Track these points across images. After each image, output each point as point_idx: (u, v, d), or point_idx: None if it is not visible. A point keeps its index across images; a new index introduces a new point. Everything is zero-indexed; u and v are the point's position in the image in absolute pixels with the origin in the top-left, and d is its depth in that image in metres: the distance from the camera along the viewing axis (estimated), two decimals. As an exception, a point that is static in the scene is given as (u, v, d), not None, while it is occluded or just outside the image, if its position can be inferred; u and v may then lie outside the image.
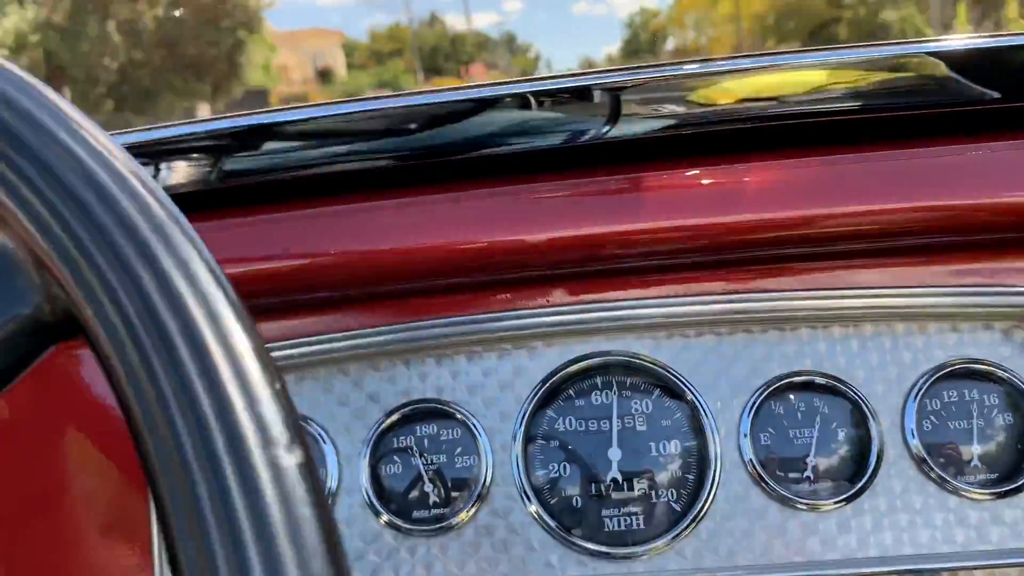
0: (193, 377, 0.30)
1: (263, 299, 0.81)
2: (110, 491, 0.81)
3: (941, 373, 0.76)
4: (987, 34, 0.77)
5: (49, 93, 0.34)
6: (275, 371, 0.32)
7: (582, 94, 0.78)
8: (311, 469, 0.31)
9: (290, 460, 0.30)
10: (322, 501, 0.30)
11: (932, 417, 0.76)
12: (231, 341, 0.31)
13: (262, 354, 0.32)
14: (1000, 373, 0.76)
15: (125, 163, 0.33)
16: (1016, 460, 0.75)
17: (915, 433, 0.75)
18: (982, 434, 0.76)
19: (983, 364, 0.76)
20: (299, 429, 0.31)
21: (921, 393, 0.76)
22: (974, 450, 0.75)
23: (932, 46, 0.76)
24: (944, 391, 0.77)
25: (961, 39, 0.77)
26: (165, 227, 0.32)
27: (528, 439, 0.79)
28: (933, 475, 0.74)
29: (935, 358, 0.77)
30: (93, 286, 0.31)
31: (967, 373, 0.77)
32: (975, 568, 0.73)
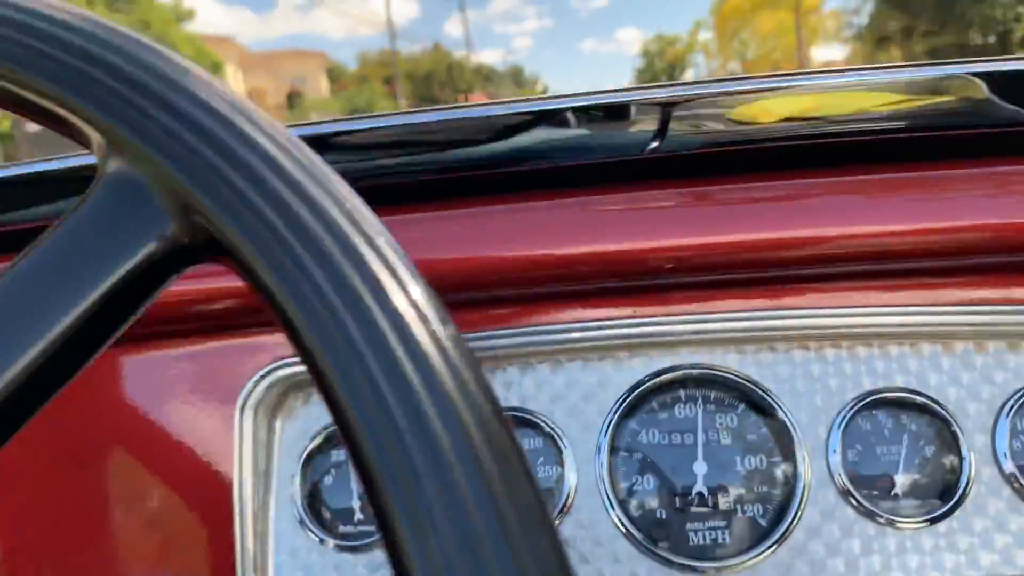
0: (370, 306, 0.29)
1: None
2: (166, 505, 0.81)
3: (1034, 392, 0.75)
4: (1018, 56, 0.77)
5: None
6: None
7: (629, 110, 0.79)
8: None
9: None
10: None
11: (1023, 436, 0.76)
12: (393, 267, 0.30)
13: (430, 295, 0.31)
14: (1095, 394, 0.75)
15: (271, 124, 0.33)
16: (1110, 483, 0.74)
17: (1007, 452, 0.74)
18: None
19: (1077, 385, 0.76)
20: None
21: (1013, 411, 0.75)
22: None
23: (970, 67, 0.76)
24: None
25: (995, 61, 0.77)
26: (319, 177, 0.31)
27: (612, 451, 0.78)
28: (1026, 495, 0.73)
29: None
30: (238, 209, 0.30)
31: (1060, 393, 0.76)
32: (1070, 591, 0.72)
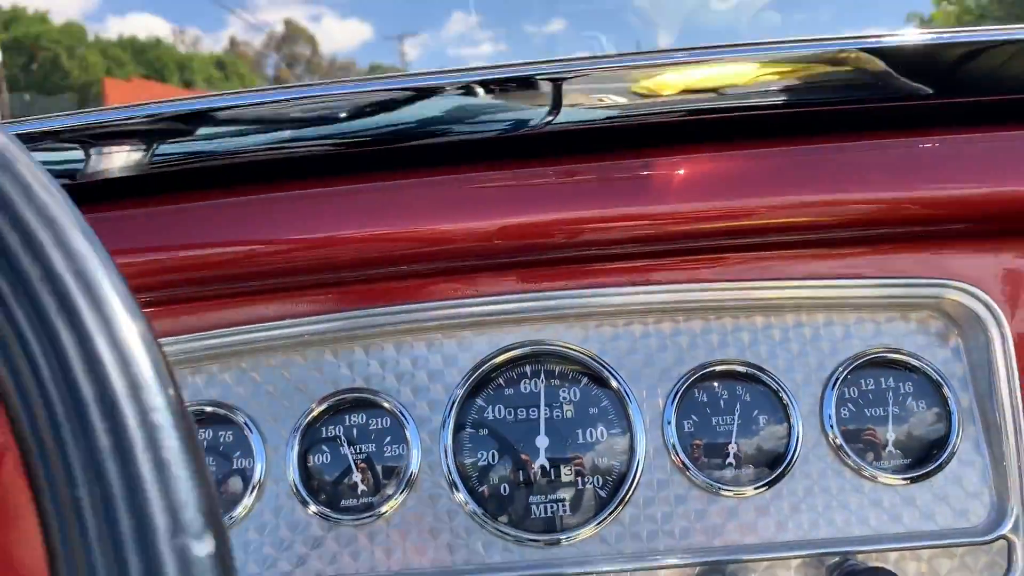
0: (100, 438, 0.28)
1: (192, 287, 0.80)
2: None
3: (859, 362, 0.78)
4: (922, 31, 0.78)
5: None
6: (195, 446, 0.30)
7: (523, 84, 0.78)
8: (225, 560, 0.29)
9: (202, 550, 0.28)
10: None
11: (850, 405, 0.78)
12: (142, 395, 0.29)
13: (182, 418, 0.30)
14: (914, 362, 0.78)
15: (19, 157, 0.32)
16: (928, 446, 0.78)
17: (833, 420, 0.77)
18: (897, 421, 0.78)
19: (899, 353, 0.78)
20: (216, 513, 0.29)
21: (839, 381, 0.78)
22: (889, 436, 0.78)
23: (869, 42, 0.77)
24: (862, 379, 0.79)
25: (898, 36, 0.78)
26: (90, 279, 0.31)
27: (457, 428, 0.79)
28: (850, 461, 0.76)
29: (853, 347, 0.79)
30: (5, 341, 0.29)
31: (883, 362, 0.79)
32: (888, 551, 0.75)
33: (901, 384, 0.79)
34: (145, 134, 0.79)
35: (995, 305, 0.76)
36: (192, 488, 0.28)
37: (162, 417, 0.29)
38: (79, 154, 0.78)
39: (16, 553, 0.78)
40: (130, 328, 0.30)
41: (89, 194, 0.82)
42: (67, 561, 0.27)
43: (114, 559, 0.27)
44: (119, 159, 0.80)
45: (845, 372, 0.78)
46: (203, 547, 0.28)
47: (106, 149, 0.80)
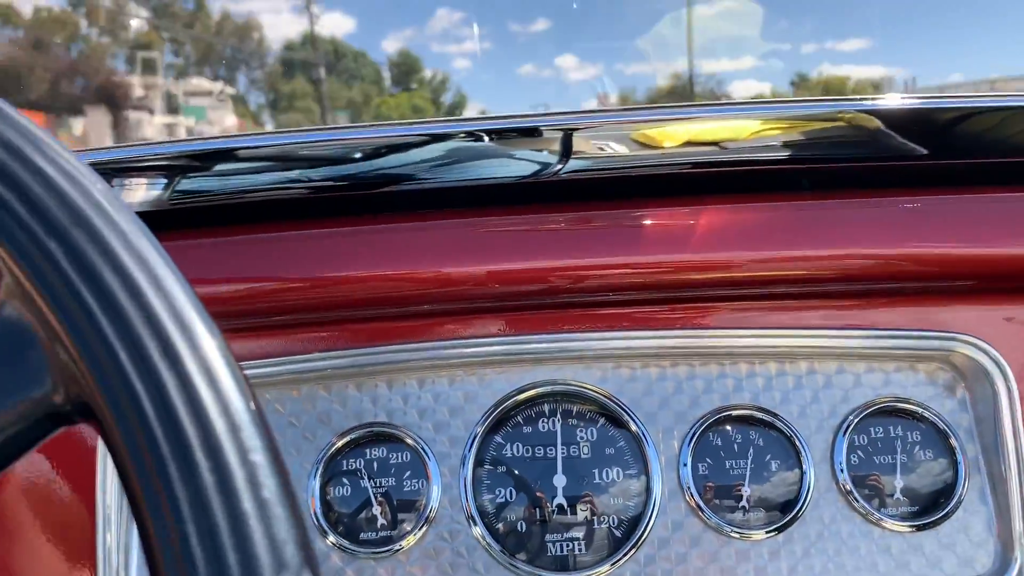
0: (210, 495, 0.30)
1: (220, 320, 0.82)
2: None
3: (869, 410, 0.80)
4: (918, 96, 0.82)
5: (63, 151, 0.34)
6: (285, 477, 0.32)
7: (535, 133, 0.82)
8: None
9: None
10: None
11: (859, 452, 0.81)
12: (257, 476, 0.31)
13: (276, 459, 0.32)
14: (923, 412, 0.81)
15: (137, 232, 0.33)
16: (935, 495, 0.80)
17: (843, 466, 0.79)
18: (905, 469, 0.80)
19: (908, 403, 0.81)
20: (309, 549, 0.31)
21: (850, 429, 0.80)
22: (897, 484, 0.80)
23: (869, 104, 0.81)
24: (871, 427, 0.81)
25: (895, 99, 0.82)
26: (188, 325, 0.32)
27: (477, 464, 0.81)
28: (859, 507, 0.78)
29: (864, 396, 0.81)
30: (111, 380, 0.31)
31: (893, 411, 0.81)
32: (896, 597, 0.77)
33: (909, 433, 0.81)
34: (167, 169, 0.82)
35: (1002, 359, 0.78)
36: (291, 527, 0.30)
37: (261, 457, 0.31)
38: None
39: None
40: (224, 370, 0.32)
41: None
42: None
43: None
44: (139, 194, 0.83)
45: (856, 420, 0.80)
46: None
47: (127, 182, 0.82)
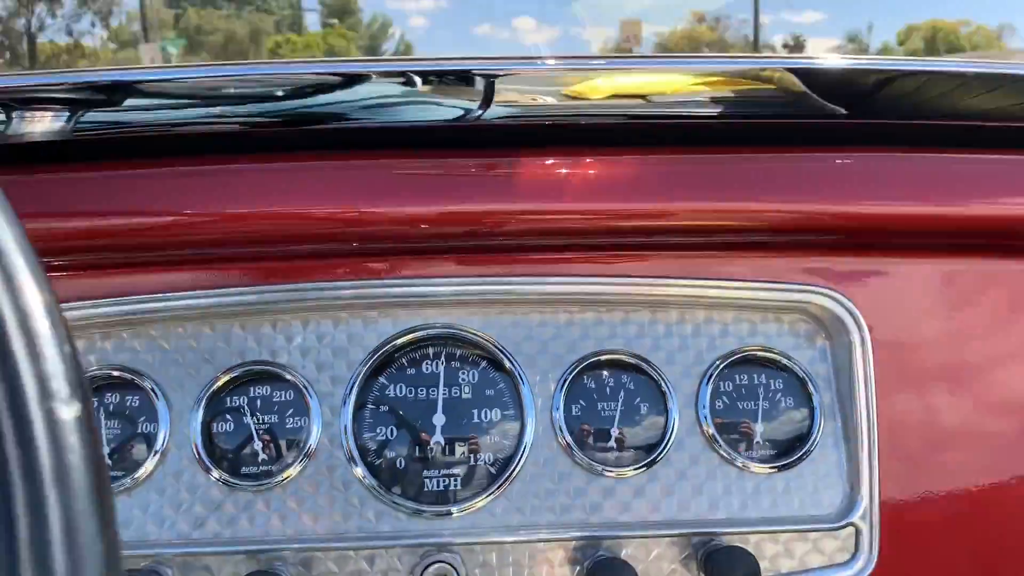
0: None
1: (105, 253, 0.83)
2: None
3: (734, 358, 0.85)
4: (842, 56, 0.85)
5: None
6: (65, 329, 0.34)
7: (456, 78, 0.83)
8: (88, 422, 0.33)
9: (68, 414, 0.32)
10: (97, 454, 0.33)
11: (724, 397, 0.85)
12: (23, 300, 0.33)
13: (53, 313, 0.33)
14: (784, 361, 0.85)
15: None
16: (793, 439, 0.85)
17: (707, 411, 0.84)
18: (766, 415, 0.85)
19: (771, 352, 0.85)
20: (82, 383, 0.33)
21: (715, 375, 0.84)
22: (757, 428, 0.84)
23: (792, 62, 0.84)
24: (736, 375, 0.85)
25: (818, 58, 0.84)
26: None
27: (359, 404, 0.83)
28: (720, 450, 0.83)
29: (730, 345, 0.85)
30: None
31: (756, 360, 0.86)
32: (749, 533, 0.81)
33: (772, 381, 0.86)
34: (70, 101, 0.81)
35: (857, 311, 0.83)
36: (61, 363, 0.32)
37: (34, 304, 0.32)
38: (0, 116, 0.80)
39: None
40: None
41: (6, 157, 0.84)
42: None
43: None
44: (40, 124, 0.82)
45: (721, 366, 0.84)
46: (70, 412, 0.31)
47: (28, 113, 0.82)
